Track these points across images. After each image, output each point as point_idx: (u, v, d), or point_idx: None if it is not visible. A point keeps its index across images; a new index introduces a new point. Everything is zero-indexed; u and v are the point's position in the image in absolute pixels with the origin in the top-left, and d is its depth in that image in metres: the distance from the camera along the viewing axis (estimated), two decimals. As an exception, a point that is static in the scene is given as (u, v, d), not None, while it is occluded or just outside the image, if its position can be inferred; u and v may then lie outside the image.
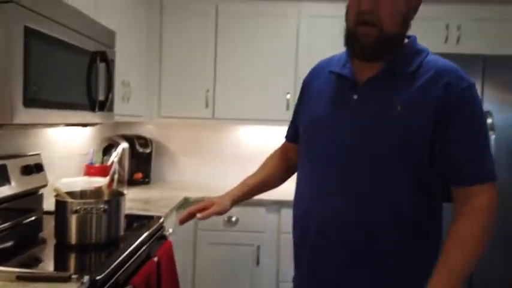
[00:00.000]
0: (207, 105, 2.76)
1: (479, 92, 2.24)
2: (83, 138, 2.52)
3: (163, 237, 1.84)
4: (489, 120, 2.22)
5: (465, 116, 0.98)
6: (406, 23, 1.03)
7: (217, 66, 2.76)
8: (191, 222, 2.50)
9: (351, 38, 1.03)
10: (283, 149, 1.36)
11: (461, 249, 0.95)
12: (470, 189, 0.99)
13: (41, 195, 1.89)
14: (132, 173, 2.86)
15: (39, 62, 1.32)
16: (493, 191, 0.99)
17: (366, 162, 1.01)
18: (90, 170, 2.51)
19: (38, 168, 1.85)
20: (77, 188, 2.01)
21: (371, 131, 1.01)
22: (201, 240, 2.52)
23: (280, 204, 2.46)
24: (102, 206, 1.45)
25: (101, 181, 2.30)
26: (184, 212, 1.22)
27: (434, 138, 0.98)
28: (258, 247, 2.49)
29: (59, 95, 1.47)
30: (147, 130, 3.08)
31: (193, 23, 2.76)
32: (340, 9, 1.13)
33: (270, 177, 1.33)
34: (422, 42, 3.05)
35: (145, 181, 2.90)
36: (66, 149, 2.31)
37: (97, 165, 2.58)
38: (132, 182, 2.84)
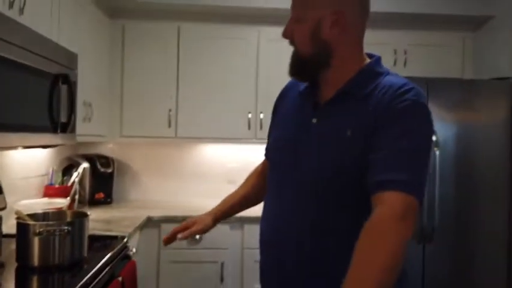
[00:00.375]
0: (169, 125, 2.81)
1: (424, 111, 2.44)
2: (42, 158, 2.49)
3: (127, 257, 1.85)
4: (433, 137, 2.40)
5: (391, 126, 0.97)
6: (320, 44, 1.05)
7: (180, 86, 2.82)
8: (154, 241, 2.51)
9: None
10: (263, 166, 1.37)
11: (359, 264, 0.87)
12: (376, 197, 0.94)
13: (0, 218, 1.86)
14: (93, 193, 2.83)
15: (3, 86, 1.33)
16: (398, 201, 0.90)
17: (312, 188, 1.04)
18: (50, 191, 2.47)
19: (-3, 190, 1.83)
20: (38, 210, 2.00)
21: (321, 155, 1.04)
22: (164, 259, 2.53)
23: (243, 220, 2.52)
24: (65, 227, 1.46)
25: (61, 202, 2.28)
26: (169, 232, 1.24)
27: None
28: (222, 264, 2.53)
29: (19, 117, 1.48)
30: (108, 149, 3.07)
31: (156, 43, 2.81)
32: None
33: (250, 194, 1.35)
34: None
35: (107, 201, 2.87)
36: (24, 170, 2.27)
37: (57, 185, 2.55)
38: (93, 202, 2.81)
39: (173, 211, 2.63)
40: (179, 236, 1.23)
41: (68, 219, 1.64)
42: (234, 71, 2.84)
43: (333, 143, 1.03)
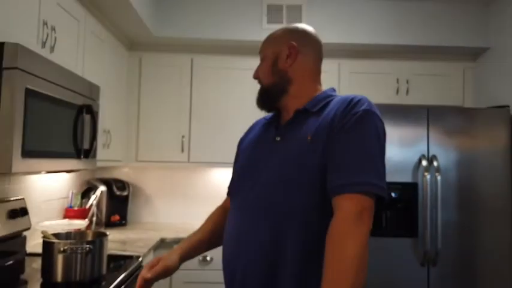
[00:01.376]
0: (182, 150, 2.96)
1: (424, 137, 2.55)
2: (63, 182, 2.65)
3: (142, 276, 1.96)
4: (435, 163, 2.50)
5: (344, 134, 1.05)
6: (278, 74, 1.22)
7: (192, 114, 2.98)
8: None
9: None
10: (225, 205, 1.41)
11: (328, 279, 0.93)
12: (334, 201, 1.01)
13: (24, 238, 1.99)
14: (109, 215, 2.97)
15: (36, 117, 1.49)
16: (352, 203, 0.97)
17: (275, 198, 1.09)
18: (70, 213, 2.61)
19: (23, 212, 1.96)
20: (59, 230, 2.14)
21: (285, 165, 1.11)
22: (177, 279, 2.63)
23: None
24: (87, 245, 1.59)
25: (80, 224, 2.41)
26: (138, 280, 1.22)
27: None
28: (231, 284, 2.62)
29: (51, 145, 1.64)
30: (124, 173, 3.22)
31: (170, 74, 3.00)
32: None
33: (214, 234, 1.35)
34: (376, 93, 3.40)
35: (122, 223, 3.00)
36: (46, 193, 2.42)
37: (76, 208, 2.69)
38: (109, 224, 2.94)
39: (185, 233, 2.74)
40: (148, 275, 1.20)
41: (89, 238, 1.77)
42: (243, 100, 2.99)
43: (295, 150, 1.11)
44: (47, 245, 1.60)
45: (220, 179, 3.27)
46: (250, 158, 1.24)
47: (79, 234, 1.81)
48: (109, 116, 2.56)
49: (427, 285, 2.48)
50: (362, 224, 0.96)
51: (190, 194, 3.25)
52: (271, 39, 1.28)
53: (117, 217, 2.99)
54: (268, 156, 1.17)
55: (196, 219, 3.15)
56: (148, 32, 2.79)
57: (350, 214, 0.96)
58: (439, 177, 2.48)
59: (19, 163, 1.39)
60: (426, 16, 2.93)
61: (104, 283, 1.62)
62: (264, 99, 1.25)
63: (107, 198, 2.95)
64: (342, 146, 1.05)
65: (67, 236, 1.77)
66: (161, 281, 2.53)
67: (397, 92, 3.00)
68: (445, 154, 2.54)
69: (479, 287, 2.51)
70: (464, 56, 3.05)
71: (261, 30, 2.89)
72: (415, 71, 3.03)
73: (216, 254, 2.63)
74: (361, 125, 1.06)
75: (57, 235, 1.71)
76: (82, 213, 2.64)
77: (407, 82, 3.01)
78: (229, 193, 1.40)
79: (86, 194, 2.83)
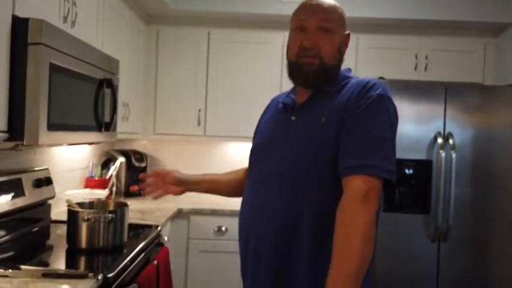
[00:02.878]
0: (199, 124, 3.00)
1: (441, 115, 2.54)
2: (84, 153, 2.73)
3: (161, 244, 2.05)
4: (450, 141, 2.50)
5: (357, 117, 1.08)
6: (341, 56, 1.22)
7: (209, 88, 3.01)
8: (184, 231, 2.72)
9: (293, 68, 1.21)
10: (245, 171, 1.46)
11: (337, 254, 0.99)
12: (344, 182, 1.05)
13: (49, 206, 2.10)
14: (128, 185, 3.06)
15: (60, 92, 1.55)
16: (360, 183, 1.02)
17: (290, 173, 1.14)
18: (91, 183, 2.72)
19: (48, 181, 2.06)
20: (81, 199, 2.24)
21: (299, 144, 1.15)
22: (193, 248, 2.73)
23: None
24: (109, 215, 1.67)
25: (101, 193, 2.52)
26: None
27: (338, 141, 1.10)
28: (245, 254, 2.71)
29: (73, 118, 1.70)
30: (142, 145, 3.30)
31: (187, 47, 3.01)
32: None
33: (229, 185, 1.51)
34: (394, 69, 3.37)
35: (140, 193, 3.10)
36: (69, 164, 2.51)
37: (96, 178, 2.79)
38: (128, 194, 3.04)
39: (201, 204, 2.83)
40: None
41: (111, 208, 1.85)
42: (260, 74, 3.00)
43: (310, 130, 1.14)
44: (72, 214, 1.68)
45: (236, 152, 3.32)
46: (268, 135, 1.29)
47: (101, 204, 1.90)
48: (127, 89, 2.61)
49: (437, 261, 2.53)
50: (369, 203, 1.01)
51: (206, 166, 3.29)
52: (340, 15, 1.21)
53: (135, 187, 3.08)
54: (284, 134, 1.22)
55: (212, 191, 3.26)
56: (165, 4, 2.79)
57: (358, 194, 1.01)
58: (454, 155, 2.48)
59: (45, 136, 1.45)
60: (448, -11, 2.85)
61: (125, 250, 1.71)
62: (321, 77, 1.18)
63: (126, 169, 3.04)
64: (353, 129, 1.08)
65: (90, 205, 1.85)
66: (178, 249, 2.66)
67: (416, 67, 2.96)
68: (461, 132, 2.53)
69: (489, 264, 2.55)
70: (486, 31, 2.97)
71: (280, 4, 2.86)
72: (434, 46, 2.97)
73: (230, 225, 2.71)
74: (374, 109, 1.09)
75: (81, 204, 1.79)
76: (102, 183, 2.74)
77: (426, 58, 2.96)
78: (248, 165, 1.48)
79: (105, 164, 2.93)
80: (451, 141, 2.50)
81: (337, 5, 1.24)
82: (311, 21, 1.18)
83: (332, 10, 1.21)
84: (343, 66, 1.27)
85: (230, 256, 2.72)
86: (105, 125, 1.98)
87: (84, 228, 1.65)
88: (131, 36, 2.69)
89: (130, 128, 2.71)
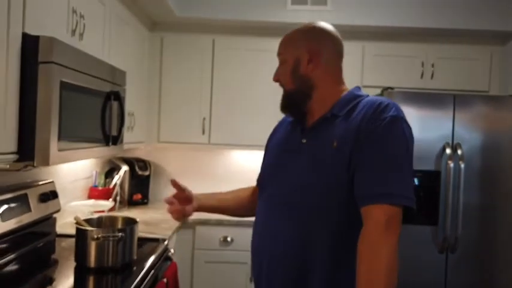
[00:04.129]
0: (203, 132, 2.97)
1: (450, 125, 2.52)
2: (87, 162, 2.69)
3: (169, 259, 2.03)
4: (459, 152, 2.48)
5: (372, 142, 1.06)
6: (300, 80, 1.20)
7: (213, 96, 2.98)
8: (189, 242, 2.69)
9: None
10: (254, 190, 1.46)
11: (361, 283, 0.99)
12: (363, 211, 1.04)
13: (55, 219, 2.06)
14: (131, 194, 3.03)
15: (70, 110, 1.51)
16: (381, 213, 1.00)
17: (302, 199, 1.13)
18: (94, 193, 2.68)
19: (53, 195, 2.02)
20: (86, 211, 2.20)
21: (312, 167, 1.13)
22: (198, 259, 2.70)
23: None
24: (119, 234, 1.64)
25: (106, 204, 2.48)
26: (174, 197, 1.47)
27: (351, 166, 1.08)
28: (251, 265, 2.69)
29: (82, 135, 1.66)
30: (145, 152, 3.26)
31: (192, 54, 2.97)
32: None
33: (238, 204, 1.49)
34: (401, 76, 3.34)
35: (144, 202, 3.07)
36: (72, 174, 2.47)
37: (100, 187, 2.75)
38: (131, 203, 3.01)
39: (207, 214, 2.78)
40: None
41: (120, 224, 1.82)
42: (264, 82, 2.96)
43: (321, 155, 1.13)
44: (81, 232, 1.65)
45: (240, 161, 3.29)
46: (278, 157, 1.27)
47: (109, 220, 1.86)
48: (131, 97, 2.56)
49: (445, 272, 2.52)
50: (391, 233, 1.00)
51: (210, 174, 3.29)
52: (290, 41, 1.24)
53: (139, 196, 3.05)
54: (295, 157, 1.20)
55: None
56: (170, 11, 2.74)
57: (379, 224, 1.00)
58: (462, 165, 2.46)
59: (55, 156, 1.41)
60: (455, -3, 2.83)
61: (135, 268, 1.68)
62: (288, 105, 1.24)
63: (129, 178, 3.01)
64: (370, 155, 1.06)
65: (98, 222, 1.81)
66: (183, 260, 2.63)
67: (422, 75, 2.94)
68: (469, 142, 2.51)
69: (496, 275, 2.54)
70: (492, 39, 2.96)
71: (286, 11, 2.83)
72: (440, 54, 2.95)
73: (236, 235, 2.69)
74: (389, 133, 1.07)
75: (88, 221, 1.76)
76: (106, 193, 2.71)
77: (432, 66, 2.94)
78: (257, 183, 1.46)
79: (109, 173, 2.89)
80: (459, 152, 2.48)
81: (302, 28, 1.25)
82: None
83: (286, 39, 1.25)
84: (351, 85, 1.25)
85: (236, 267, 2.70)
86: (112, 138, 1.95)
87: (93, 247, 1.62)
88: (135, 44, 2.65)
89: (135, 138, 2.67)
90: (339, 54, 1.24)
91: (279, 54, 1.25)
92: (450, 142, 2.51)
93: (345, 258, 1.08)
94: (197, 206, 1.45)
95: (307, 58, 1.19)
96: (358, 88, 1.25)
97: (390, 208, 1.01)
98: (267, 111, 2.96)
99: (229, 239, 2.70)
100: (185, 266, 2.67)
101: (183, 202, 1.45)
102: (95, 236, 1.61)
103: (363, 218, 1.04)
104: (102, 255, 1.63)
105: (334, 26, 1.26)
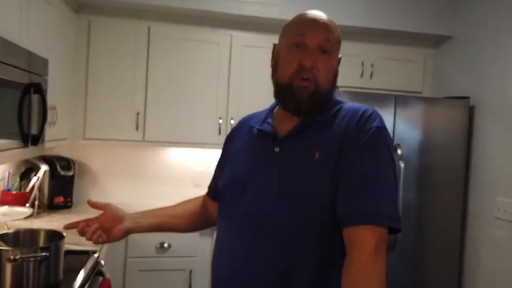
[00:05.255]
0: (137, 128, 2.71)
1: (391, 125, 2.55)
2: (-1, 163, 2.32)
3: (100, 274, 1.79)
4: (398, 152, 2.53)
5: (357, 156, 0.97)
6: (334, 81, 1.08)
7: (149, 89, 2.72)
8: (121, 249, 2.44)
9: (285, 91, 1.05)
10: (203, 201, 1.33)
11: None
12: (347, 232, 0.94)
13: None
14: (52, 196, 2.68)
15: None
16: (369, 236, 0.91)
17: (283, 217, 1.00)
18: (8, 197, 2.33)
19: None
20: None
21: (290, 182, 1.01)
22: (131, 268, 2.47)
23: (213, 227, 2.51)
24: (41, 254, 1.38)
25: (23, 212, 2.16)
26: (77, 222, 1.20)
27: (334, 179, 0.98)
28: (190, 271, 2.52)
29: (-6, 136, 1.37)
30: (68, 150, 2.91)
31: (124, 42, 2.69)
32: (269, 41, 1.20)
33: (184, 218, 1.30)
34: (341, 76, 3.38)
35: (67, 205, 2.74)
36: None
37: (14, 192, 2.39)
38: (52, 206, 2.67)
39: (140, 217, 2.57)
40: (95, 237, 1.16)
41: (42, 240, 1.55)
42: (205, 75, 2.79)
43: (302, 167, 1.01)
44: (-7, 253, 1.37)
45: (178, 159, 3.08)
46: (245, 168, 1.10)
47: (29, 234, 1.58)
48: (54, 89, 2.23)
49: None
50: (381, 258, 0.92)
51: (144, 174, 3.03)
52: (339, 36, 1.08)
53: (61, 199, 2.72)
54: (267, 168, 1.06)
55: (150, 200, 2.99)
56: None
57: (369, 250, 0.91)
58: (402, 165, 2.51)
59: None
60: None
61: (61, 291, 1.44)
62: (315, 104, 1.03)
63: (49, 178, 2.66)
64: (354, 170, 0.97)
65: (15, 237, 1.53)
66: (114, 270, 2.38)
67: (362, 75, 2.96)
68: (408, 142, 2.57)
69: (434, 272, 2.64)
70: (427, 42, 3.06)
71: (228, 2, 2.66)
72: (380, 54, 2.99)
73: (173, 241, 2.50)
74: (374, 146, 0.99)
75: (3, 237, 1.47)
76: (22, 198, 2.37)
77: (372, 66, 2.97)
78: (209, 195, 1.31)
79: (25, 174, 2.53)
80: (399, 152, 2.53)
81: (330, 18, 1.09)
82: (312, 39, 1.02)
83: (334, 28, 1.07)
84: None
85: (174, 274, 2.52)
86: (32, 137, 1.66)
87: (8, 270, 1.35)
88: (59, 28, 2.31)
89: (57, 134, 2.34)
90: None
91: (327, 40, 1.02)
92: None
93: (328, 280, 0.98)
94: (131, 226, 1.24)
95: (339, 64, 1.10)
96: (335, 91, 1.13)
97: (379, 230, 0.92)
98: (209, 106, 2.80)
99: (166, 245, 2.50)
100: (117, 275, 2.42)
101: (110, 223, 1.22)
102: (12, 257, 1.34)
103: (347, 240, 0.94)
104: (20, 280, 1.37)
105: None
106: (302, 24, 1.06)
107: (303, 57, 1.01)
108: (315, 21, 1.05)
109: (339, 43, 1.08)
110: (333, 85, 1.08)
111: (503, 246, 2.42)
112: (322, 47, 1.02)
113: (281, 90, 1.07)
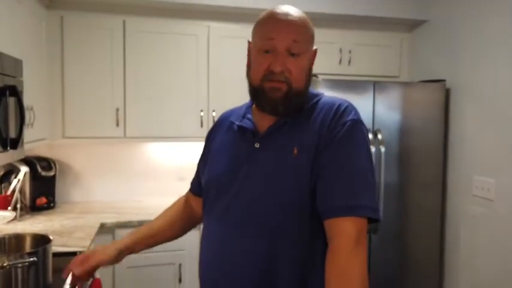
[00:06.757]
0: (117, 124, 2.68)
1: (370, 111, 2.60)
2: (-24, 167, 2.27)
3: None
4: (379, 136, 2.58)
5: (334, 150, 0.99)
6: (309, 78, 1.09)
7: (127, 85, 2.68)
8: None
9: (257, 94, 1.07)
10: (186, 199, 1.35)
11: None
12: (328, 223, 0.96)
13: None
14: (34, 198, 2.64)
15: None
16: (350, 227, 0.93)
17: (266, 213, 1.02)
18: (-13, 202, 2.28)
19: None
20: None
21: (271, 178, 1.03)
22: (119, 266, 2.45)
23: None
24: (29, 259, 1.37)
25: (5, 216, 2.12)
26: (65, 272, 1.23)
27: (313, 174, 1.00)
28: (180, 265, 2.54)
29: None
30: (48, 150, 2.86)
31: (99, 37, 2.63)
32: (247, 30, 1.19)
33: (169, 227, 1.32)
34: (319, 63, 3.37)
35: (50, 206, 2.70)
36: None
37: (-6, 195, 2.35)
38: (35, 208, 2.63)
39: (126, 215, 2.56)
40: (75, 270, 1.22)
41: (29, 245, 1.53)
42: (184, 68, 2.76)
43: (281, 163, 1.03)
44: (-22, 261, 1.34)
45: (159, 152, 3.07)
46: (227, 167, 1.11)
47: (15, 240, 1.55)
48: (29, 89, 2.18)
49: (369, 253, 2.63)
50: (362, 249, 0.95)
51: (126, 170, 3.01)
52: (307, 29, 1.06)
53: (43, 200, 2.68)
54: (249, 164, 1.07)
55: (135, 196, 2.98)
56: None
57: (349, 240, 0.93)
58: (383, 149, 2.56)
59: None
60: (369, -16, 2.89)
61: (51, 295, 1.44)
62: (290, 103, 1.05)
63: (30, 180, 2.62)
64: (333, 164, 1.00)
65: (0, 243, 1.50)
66: (103, 269, 2.37)
67: (340, 61, 2.98)
68: (387, 127, 2.62)
69: (417, 252, 2.73)
70: (402, 27, 3.10)
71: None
72: (357, 40, 3.01)
73: (162, 236, 2.49)
74: (351, 139, 1.01)
75: (-14, 243, 1.45)
76: (4, 201, 2.33)
77: (349, 52, 3.00)
78: (192, 191, 1.33)
79: (5, 177, 2.49)
80: (379, 137, 2.58)
81: (306, 16, 1.09)
82: (281, 43, 1.02)
83: (304, 26, 1.06)
84: None
85: (163, 268, 2.53)
86: (10, 141, 1.62)
87: (-4, 278, 1.33)
88: (31, 26, 2.25)
89: (36, 135, 2.30)
90: None
91: (295, 41, 1.02)
92: (371, 128, 2.60)
93: (311, 273, 1.01)
94: (116, 256, 1.31)
95: (314, 56, 1.10)
96: (310, 85, 1.13)
97: (359, 221, 0.95)
98: (190, 99, 2.78)
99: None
100: (105, 273, 2.41)
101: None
102: (-1, 265, 1.32)
103: (328, 232, 0.97)
104: (9, 287, 1.35)
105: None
106: (271, 27, 1.04)
107: (272, 62, 1.02)
108: (284, 23, 1.03)
109: (311, 40, 1.08)
110: (307, 82, 1.09)
111: (480, 222, 2.51)
112: (291, 50, 1.02)
113: (255, 92, 1.08)
